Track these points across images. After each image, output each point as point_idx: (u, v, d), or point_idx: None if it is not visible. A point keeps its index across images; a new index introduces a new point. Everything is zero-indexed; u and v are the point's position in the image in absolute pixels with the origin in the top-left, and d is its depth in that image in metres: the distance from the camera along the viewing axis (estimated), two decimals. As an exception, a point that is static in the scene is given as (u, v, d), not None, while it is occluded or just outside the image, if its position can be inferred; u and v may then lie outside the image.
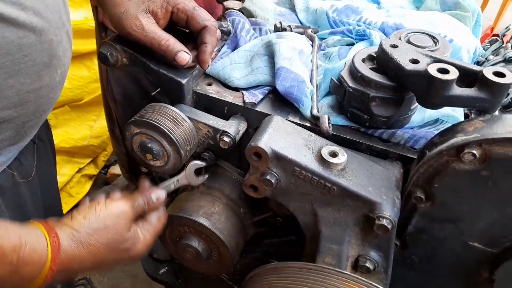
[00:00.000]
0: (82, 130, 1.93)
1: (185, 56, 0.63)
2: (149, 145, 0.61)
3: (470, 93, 0.51)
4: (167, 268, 0.99)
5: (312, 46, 0.80)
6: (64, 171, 1.93)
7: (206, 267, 0.74)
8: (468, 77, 0.53)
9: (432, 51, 0.68)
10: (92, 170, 2.08)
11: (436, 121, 0.66)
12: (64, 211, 1.90)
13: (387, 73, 0.59)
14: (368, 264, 0.55)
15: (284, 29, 0.87)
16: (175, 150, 0.61)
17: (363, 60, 0.63)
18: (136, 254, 0.58)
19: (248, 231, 0.75)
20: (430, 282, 0.63)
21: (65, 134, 1.85)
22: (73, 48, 1.71)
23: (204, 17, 0.64)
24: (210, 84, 0.72)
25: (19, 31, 0.49)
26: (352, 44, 0.81)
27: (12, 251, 0.45)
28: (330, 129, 0.62)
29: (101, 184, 2.16)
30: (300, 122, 0.65)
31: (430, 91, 0.51)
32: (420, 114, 0.64)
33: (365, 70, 0.60)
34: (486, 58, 0.96)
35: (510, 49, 0.91)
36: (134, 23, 0.62)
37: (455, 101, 0.51)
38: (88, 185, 2.05)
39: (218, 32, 0.68)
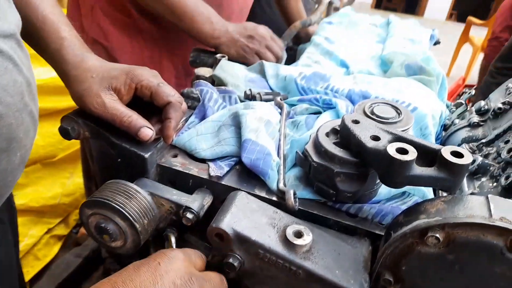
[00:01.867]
0: (53, 188, 1.87)
1: (147, 131, 0.63)
2: (103, 225, 0.58)
3: (430, 173, 0.50)
4: None
5: (280, 114, 0.81)
6: (32, 232, 1.84)
7: None
8: (428, 155, 0.53)
9: (395, 122, 0.69)
10: (62, 230, 1.99)
11: (403, 194, 0.65)
12: (30, 275, 1.79)
13: (350, 148, 0.59)
14: None
15: (253, 96, 0.88)
16: (130, 225, 0.58)
17: (328, 134, 0.63)
18: None
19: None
20: None
21: (35, 193, 1.78)
22: (48, 105, 1.70)
23: (168, 92, 0.65)
24: (175, 156, 0.70)
25: None
26: (319, 113, 0.82)
27: None
28: (297, 204, 0.60)
29: (71, 245, 2.05)
30: (267, 196, 0.63)
31: (391, 171, 0.51)
32: (386, 187, 0.64)
33: (329, 145, 0.60)
34: (452, 122, 0.99)
35: (474, 114, 0.95)
36: (96, 100, 0.61)
37: (416, 181, 0.51)
38: (57, 247, 1.95)
39: (184, 106, 0.68)
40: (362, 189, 0.59)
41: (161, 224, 0.65)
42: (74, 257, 1.92)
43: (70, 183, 1.93)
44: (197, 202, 0.63)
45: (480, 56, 3.93)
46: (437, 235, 0.46)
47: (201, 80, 0.84)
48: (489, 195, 0.48)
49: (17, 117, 0.53)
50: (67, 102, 1.67)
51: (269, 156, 0.65)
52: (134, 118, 0.62)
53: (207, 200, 0.65)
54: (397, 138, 0.56)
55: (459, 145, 0.88)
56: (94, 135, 0.66)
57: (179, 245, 0.70)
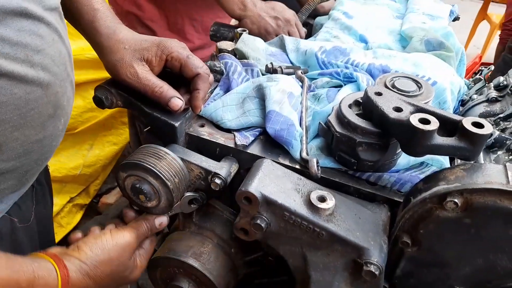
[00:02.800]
0: (75, 159, 1.93)
1: (177, 102, 0.66)
2: (138, 185, 0.62)
3: (450, 143, 0.53)
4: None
5: (301, 87, 0.83)
6: (56, 201, 1.91)
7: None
8: (448, 125, 0.55)
9: (416, 95, 0.71)
10: (84, 200, 2.06)
11: (421, 164, 0.68)
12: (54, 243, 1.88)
13: (372, 119, 0.62)
14: (356, 309, 0.56)
15: (275, 70, 0.90)
16: (162, 184, 0.61)
17: (350, 106, 0.66)
18: (133, 278, 0.65)
19: (239, 271, 0.75)
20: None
21: (58, 163, 1.84)
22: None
23: (197, 65, 0.67)
24: (202, 126, 0.74)
25: (27, 87, 0.50)
26: (340, 86, 0.84)
27: (27, 285, 0.48)
28: (319, 172, 0.64)
29: (92, 213, 2.14)
30: (290, 165, 0.66)
31: (413, 140, 0.53)
32: (406, 157, 0.66)
33: (352, 116, 0.63)
34: (470, 97, 1.00)
35: (492, 89, 0.95)
36: (129, 70, 0.64)
37: (436, 150, 0.54)
38: (79, 215, 2.03)
39: (211, 78, 0.71)
40: (383, 159, 0.62)
41: (190, 188, 0.69)
42: (96, 225, 2.01)
43: (91, 154, 1.98)
44: (224, 169, 0.67)
45: (498, 34, 3.83)
46: (456, 200, 0.49)
47: (225, 53, 0.86)
48: (507, 163, 0.50)
49: (62, 86, 0.56)
50: (86, 75, 1.70)
51: (293, 126, 0.68)
52: (165, 89, 0.65)
53: (234, 167, 0.69)
54: (419, 109, 0.58)
55: (476, 120, 0.89)
56: (126, 104, 0.70)
57: (205, 210, 0.75)
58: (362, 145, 0.61)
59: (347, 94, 0.76)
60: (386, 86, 0.72)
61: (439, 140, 0.53)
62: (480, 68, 1.55)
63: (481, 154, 0.81)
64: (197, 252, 0.69)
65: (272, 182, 0.59)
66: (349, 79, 0.83)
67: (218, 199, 0.75)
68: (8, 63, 0.47)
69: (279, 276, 0.75)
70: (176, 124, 0.68)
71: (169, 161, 0.62)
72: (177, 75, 0.70)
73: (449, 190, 0.49)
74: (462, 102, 1.01)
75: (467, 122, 0.52)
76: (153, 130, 0.72)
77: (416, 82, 0.74)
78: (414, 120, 0.53)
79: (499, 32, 3.56)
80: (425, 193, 0.52)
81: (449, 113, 0.56)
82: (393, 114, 0.57)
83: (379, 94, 0.62)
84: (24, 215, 0.68)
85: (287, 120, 0.69)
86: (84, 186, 2.05)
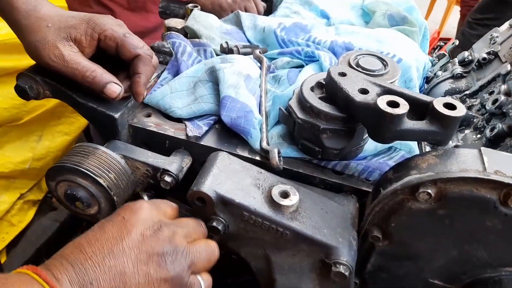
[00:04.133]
0: (22, 152, 1.78)
1: (115, 88, 0.56)
2: (69, 191, 0.53)
3: (421, 127, 0.48)
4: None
5: (260, 68, 0.76)
6: (4, 198, 1.76)
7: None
8: (418, 108, 0.50)
9: (381, 74, 0.65)
10: (36, 195, 1.92)
11: (390, 149, 0.63)
12: (6, 242, 1.74)
13: (337, 103, 0.56)
14: (326, 312, 0.51)
15: (230, 50, 0.82)
16: (94, 182, 0.52)
17: (312, 88, 0.59)
18: None
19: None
20: (391, 319, 0.60)
21: (3, 157, 1.69)
22: (8, 64, 1.58)
23: (136, 44, 0.58)
24: (149, 116, 0.65)
25: None
26: (301, 66, 0.77)
27: None
28: (281, 163, 0.57)
29: (46, 210, 1.99)
30: (250, 156, 0.60)
31: (380, 125, 0.48)
32: (372, 142, 0.61)
33: (314, 100, 0.56)
34: (435, 74, 0.96)
35: (457, 65, 0.92)
36: (53, 52, 0.54)
37: (406, 135, 0.49)
38: (32, 212, 1.88)
39: (155, 60, 0.61)
40: (349, 146, 0.57)
41: (138, 188, 0.61)
42: (51, 222, 1.87)
43: (40, 146, 1.83)
44: (175, 164, 0.59)
45: (455, 8, 3.90)
46: (429, 191, 0.44)
47: (172, 32, 0.76)
48: (482, 148, 0.46)
49: None
50: (28, 61, 1.54)
51: (251, 113, 0.61)
52: (99, 73, 0.55)
53: (186, 162, 0.61)
54: (387, 91, 0.53)
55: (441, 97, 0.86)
56: (56, 94, 0.60)
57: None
58: (326, 132, 0.55)
59: (309, 75, 0.69)
60: (350, 65, 0.67)
61: (409, 124, 0.48)
62: (439, 43, 1.53)
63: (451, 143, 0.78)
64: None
65: (228, 178, 0.52)
66: (311, 59, 0.77)
67: (172, 196, 0.68)
68: None
69: (243, 276, 0.70)
70: (116, 116, 0.59)
71: (98, 156, 0.54)
72: (114, 58, 0.60)
73: (422, 180, 0.44)
74: (427, 79, 0.98)
75: (438, 104, 0.47)
76: (92, 123, 0.63)
77: (382, 60, 0.68)
78: (382, 103, 0.47)
79: (458, 7, 3.62)
80: (395, 184, 0.47)
81: (418, 94, 0.51)
82: (359, 97, 0.52)
83: (343, 74, 0.56)
84: None
85: (244, 106, 0.61)
86: (35, 181, 1.90)
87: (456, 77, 0.90)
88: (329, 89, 0.57)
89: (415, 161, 0.48)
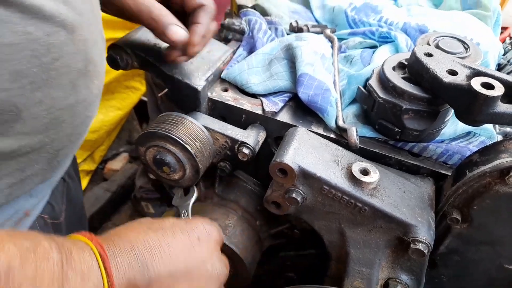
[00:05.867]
0: (79, 124, 1.88)
1: (178, 30, 0.53)
2: (158, 156, 0.57)
3: (516, 110, 0.47)
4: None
5: (331, 48, 0.76)
6: (61, 167, 1.88)
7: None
8: (510, 91, 0.49)
9: (463, 57, 0.64)
10: (90, 166, 2.03)
11: (468, 133, 0.62)
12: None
13: (421, 83, 0.55)
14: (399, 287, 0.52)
15: (300, 29, 0.82)
16: (182, 149, 0.55)
17: (394, 68, 0.59)
18: None
19: (264, 243, 0.72)
20: (458, 302, 0.60)
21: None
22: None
23: None
24: (226, 90, 0.67)
25: (45, 25, 0.37)
26: (374, 47, 0.77)
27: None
28: (358, 142, 0.58)
29: (98, 180, 2.11)
30: (324, 133, 0.61)
31: (473, 107, 0.47)
32: (452, 126, 0.61)
33: (397, 80, 0.56)
34: (508, 61, 0.92)
35: (533, 53, 0.88)
36: None
37: (498, 119, 0.48)
38: (85, 181, 2.00)
39: (213, 13, 0.58)
40: (430, 128, 0.56)
41: (215, 158, 0.64)
42: (103, 191, 1.99)
43: (95, 119, 1.93)
44: (252, 137, 0.61)
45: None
46: (522, 175, 0.43)
47: (249, 9, 0.77)
48: None
49: (91, 32, 0.44)
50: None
51: (328, 91, 0.62)
52: (164, 13, 0.53)
53: (262, 136, 0.63)
54: (477, 73, 0.51)
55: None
56: (143, 65, 0.63)
57: (230, 180, 0.70)
58: (408, 112, 0.55)
59: (385, 55, 0.69)
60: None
61: (503, 107, 0.47)
62: None
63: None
64: (222, 225, 0.65)
65: (308, 153, 0.54)
66: (385, 40, 0.76)
67: (242, 169, 0.71)
68: None
69: (306, 249, 0.72)
70: (199, 87, 0.62)
71: (186, 125, 0.57)
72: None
73: (515, 164, 0.44)
74: (499, 67, 0.94)
75: (537, 88, 0.46)
76: (173, 96, 0.66)
77: (463, 42, 0.67)
78: (476, 84, 0.46)
79: None
80: (483, 167, 0.46)
81: (510, 76, 0.50)
82: (448, 78, 0.51)
83: (429, 55, 0.55)
84: (55, 215, 0.59)
85: (321, 84, 0.62)
86: (89, 152, 2.01)
87: (532, 65, 0.86)
88: (414, 69, 0.56)
89: (505, 145, 0.48)
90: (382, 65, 0.59)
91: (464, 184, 0.48)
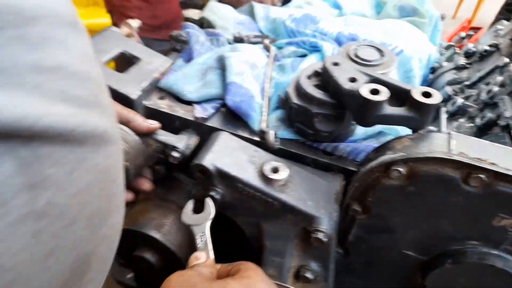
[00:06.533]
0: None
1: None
2: None
3: (400, 113, 0.53)
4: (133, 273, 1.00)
5: (268, 57, 0.82)
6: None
7: (162, 277, 0.75)
8: (400, 95, 0.55)
9: (377, 65, 0.70)
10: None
11: (379, 133, 0.68)
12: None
13: (329, 90, 0.61)
14: (308, 275, 0.58)
15: (241, 39, 0.88)
16: None
17: (309, 76, 0.65)
18: None
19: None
20: (372, 286, 0.66)
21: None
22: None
23: None
24: (162, 98, 0.73)
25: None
26: (305, 55, 0.83)
27: None
28: (277, 143, 0.64)
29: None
30: (249, 137, 0.67)
31: (363, 110, 0.53)
32: (362, 127, 0.67)
33: (308, 87, 0.62)
34: (440, 65, 0.99)
35: (462, 57, 0.95)
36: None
37: (386, 120, 0.54)
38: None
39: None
40: (338, 129, 0.62)
41: (150, 162, 0.70)
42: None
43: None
44: (183, 141, 0.67)
45: (490, -3, 3.75)
46: (400, 169, 0.50)
47: (188, 23, 0.83)
48: (452, 132, 0.51)
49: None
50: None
51: (253, 98, 0.68)
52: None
53: (193, 140, 0.69)
54: (373, 80, 0.58)
55: (443, 87, 0.89)
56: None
57: (169, 183, 0.75)
58: (318, 116, 0.61)
59: (311, 64, 0.75)
60: (348, 55, 0.72)
61: (389, 110, 0.53)
62: (469, 32, 1.52)
63: (445, 121, 0.82)
64: (159, 223, 0.71)
65: (227, 154, 0.59)
66: (315, 48, 0.82)
67: (182, 171, 0.76)
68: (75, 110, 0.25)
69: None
70: (134, 96, 0.68)
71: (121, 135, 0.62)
72: None
73: (394, 159, 0.50)
74: (433, 70, 1.01)
75: (416, 92, 0.52)
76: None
77: (380, 51, 0.73)
78: (365, 90, 0.53)
79: None
80: (372, 163, 0.52)
81: (401, 83, 0.56)
82: (347, 85, 0.57)
83: (336, 64, 0.61)
84: None
85: (247, 92, 0.68)
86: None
87: (459, 68, 0.92)
88: (324, 77, 0.62)
89: (392, 143, 0.54)
90: (300, 73, 0.65)
91: (358, 178, 0.54)
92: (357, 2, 1.13)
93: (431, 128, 0.84)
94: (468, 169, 0.47)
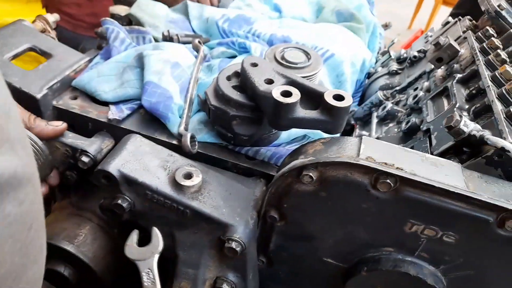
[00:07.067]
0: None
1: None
2: None
3: (313, 116, 0.51)
4: None
5: (196, 57, 0.78)
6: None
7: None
8: (315, 98, 0.54)
9: (303, 67, 0.69)
10: None
11: (304, 137, 0.67)
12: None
13: (247, 91, 0.59)
14: (225, 286, 0.55)
15: (171, 38, 0.84)
16: None
17: (229, 77, 0.62)
18: None
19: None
20: (297, 296, 0.64)
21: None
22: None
23: None
24: (75, 98, 0.67)
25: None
26: (235, 56, 0.80)
27: None
28: (195, 148, 0.60)
29: None
30: (167, 140, 0.63)
31: (276, 113, 0.51)
32: (286, 131, 0.65)
33: (227, 88, 0.59)
34: (376, 70, 1.00)
35: (394, 63, 0.96)
36: None
37: (300, 123, 0.52)
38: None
39: None
40: (259, 133, 0.60)
41: (60, 168, 0.64)
42: None
43: None
44: (94, 145, 0.61)
45: (442, 8, 3.95)
46: (310, 174, 0.47)
47: (107, 19, 0.78)
48: (364, 137, 0.50)
49: None
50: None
51: (170, 99, 0.64)
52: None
53: (107, 143, 0.64)
54: (290, 82, 0.56)
55: (376, 92, 0.90)
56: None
57: (85, 189, 0.69)
58: (236, 118, 0.58)
59: (247, 56, 0.72)
60: (275, 57, 0.70)
61: (301, 113, 0.51)
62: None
63: (374, 126, 0.82)
64: (71, 234, 0.64)
65: (136, 159, 0.55)
66: (244, 49, 0.79)
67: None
68: None
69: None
70: (38, 96, 0.61)
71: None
72: None
73: (304, 164, 0.48)
74: (368, 75, 1.02)
75: (328, 95, 0.51)
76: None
77: (306, 53, 0.72)
78: (276, 92, 0.50)
79: (445, 7, 3.66)
80: (284, 168, 0.50)
81: (316, 85, 0.54)
82: (263, 87, 0.55)
83: (254, 65, 0.59)
84: None
85: (165, 92, 0.64)
86: None
87: (391, 74, 0.94)
88: (242, 78, 0.60)
89: (306, 147, 0.52)
90: (219, 73, 0.62)
91: (273, 184, 0.52)
92: (297, 6, 1.13)
93: (363, 132, 0.85)
94: (376, 174, 0.45)
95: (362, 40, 1.05)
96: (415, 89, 0.82)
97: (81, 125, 0.65)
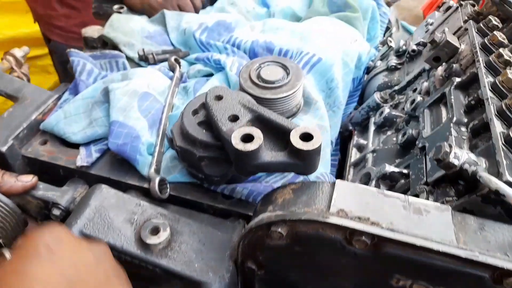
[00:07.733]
0: None
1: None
2: None
3: (280, 159, 0.46)
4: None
5: (171, 78, 0.73)
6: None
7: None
8: (283, 135, 0.48)
9: (280, 86, 0.63)
10: None
11: (284, 167, 0.61)
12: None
13: (213, 129, 0.53)
14: None
15: (146, 58, 0.79)
16: None
17: (196, 111, 0.57)
18: None
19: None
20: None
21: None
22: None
23: None
24: (45, 143, 0.64)
25: None
26: (211, 74, 0.74)
27: None
28: (167, 191, 0.57)
29: None
30: (138, 184, 0.59)
31: (238, 160, 0.46)
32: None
33: (191, 126, 0.54)
34: (375, 64, 0.91)
35: (393, 57, 0.87)
36: None
37: (267, 168, 0.47)
38: None
39: None
40: (231, 171, 0.55)
41: (38, 218, 0.62)
42: None
43: None
44: (66, 196, 0.59)
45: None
46: (280, 230, 0.42)
47: (72, 50, 0.73)
48: (337, 180, 0.44)
49: None
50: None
51: (138, 139, 0.59)
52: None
53: (80, 191, 0.61)
54: (257, 117, 0.50)
55: (374, 92, 0.82)
56: None
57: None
58: (204, 159, 0.54)
59: (212, 87, 0.67)
60: (250, 77, 0.64)
61: (267, 157, 0.46)
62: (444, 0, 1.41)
63: (372, 134, 0.75)
64: None
65: (100, 216, 0.52)
66: (221, 66, 0.73)
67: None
68: None
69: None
70: (3, 149, 0.59)
71: None
72: None
73: (271, 220, 0.43)
74: (368, 70, 0.93)
75: (294, 135, 0.45)
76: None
77: (285, 67, 0.65)
78: (235, 139, 0.45)
79: None
80: (252, 222, 0.45)
81: (285, 120, 0.48)
82: (226, 126, 0.49)
83: (219, 98, 0.53)
84: None
85: (131, 131, 0.60)
86: None
87: (390, 70, 0.85)
88: (207, 114, 0.54)
89: (276, 194, 0.46)
90: (185, 108, 0.57)
91: (245, 235, 0.47)
92: (287, -2, 1.04)
93: (361, 141, 0.78)
94: (350, 230, 0.40)
95: (359, 30, 0.96)
96: (414, 90, 0.74)
97: (52, 172, 0.62)
